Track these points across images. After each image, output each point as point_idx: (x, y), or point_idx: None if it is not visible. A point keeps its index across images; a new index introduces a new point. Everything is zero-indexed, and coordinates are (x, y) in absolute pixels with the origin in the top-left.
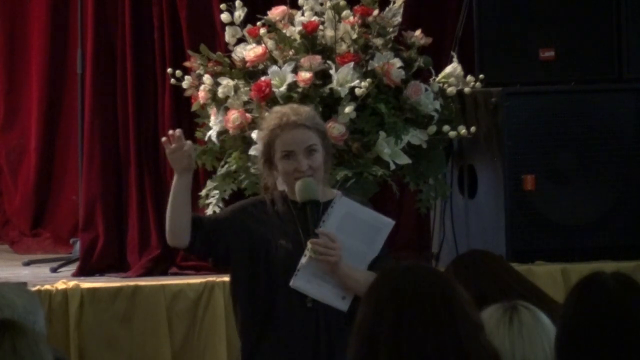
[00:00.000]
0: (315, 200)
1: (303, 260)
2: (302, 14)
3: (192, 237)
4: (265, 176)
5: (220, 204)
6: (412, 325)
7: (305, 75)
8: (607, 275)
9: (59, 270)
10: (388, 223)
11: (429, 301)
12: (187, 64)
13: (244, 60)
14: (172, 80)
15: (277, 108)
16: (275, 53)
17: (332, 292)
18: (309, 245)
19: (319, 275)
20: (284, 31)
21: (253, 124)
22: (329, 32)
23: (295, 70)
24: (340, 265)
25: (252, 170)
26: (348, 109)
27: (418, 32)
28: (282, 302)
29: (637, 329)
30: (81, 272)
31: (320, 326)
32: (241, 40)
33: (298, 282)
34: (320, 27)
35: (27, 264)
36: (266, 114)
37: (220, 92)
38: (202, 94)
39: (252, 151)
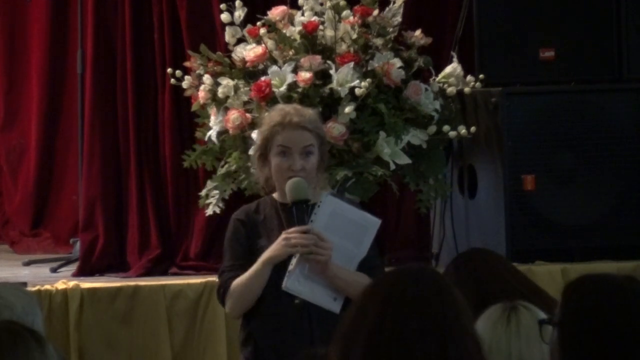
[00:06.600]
0: (305, 199)
1: (293, 261)
2: (302, 14)
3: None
4: (258, 170)
5: (220, 204)
6: (394, 328)
7: (305, 75)
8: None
9: (59, 270)
10: (375, 222)
11: (418, 304)
12: (187, 64)
13: (244, 60)
14: (172, 80)
15: (280, 106)
16: (275, 53)
17: (324, 293)
18: None
19: (309, 277)
20: (284, 31)
21: (253, 124)
22: (329, 32)
23: (295, 70)
24: (330, 265)
25: (252, 170)
26: (348, 109)
27: (418, 32)
28: (271, 302)
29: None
30: (81, 272)
31: (312, 321)
32: (241, 40)
33: (289, 284)
34: (320, 27)
35: (27, 264)
36: (266, 113)
37: (220, 92)
38: (202, 94)
39: (252, 151)
